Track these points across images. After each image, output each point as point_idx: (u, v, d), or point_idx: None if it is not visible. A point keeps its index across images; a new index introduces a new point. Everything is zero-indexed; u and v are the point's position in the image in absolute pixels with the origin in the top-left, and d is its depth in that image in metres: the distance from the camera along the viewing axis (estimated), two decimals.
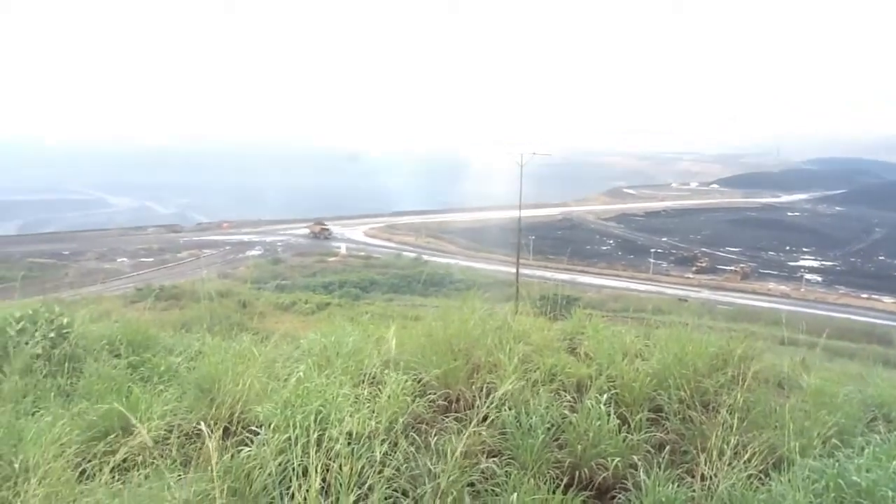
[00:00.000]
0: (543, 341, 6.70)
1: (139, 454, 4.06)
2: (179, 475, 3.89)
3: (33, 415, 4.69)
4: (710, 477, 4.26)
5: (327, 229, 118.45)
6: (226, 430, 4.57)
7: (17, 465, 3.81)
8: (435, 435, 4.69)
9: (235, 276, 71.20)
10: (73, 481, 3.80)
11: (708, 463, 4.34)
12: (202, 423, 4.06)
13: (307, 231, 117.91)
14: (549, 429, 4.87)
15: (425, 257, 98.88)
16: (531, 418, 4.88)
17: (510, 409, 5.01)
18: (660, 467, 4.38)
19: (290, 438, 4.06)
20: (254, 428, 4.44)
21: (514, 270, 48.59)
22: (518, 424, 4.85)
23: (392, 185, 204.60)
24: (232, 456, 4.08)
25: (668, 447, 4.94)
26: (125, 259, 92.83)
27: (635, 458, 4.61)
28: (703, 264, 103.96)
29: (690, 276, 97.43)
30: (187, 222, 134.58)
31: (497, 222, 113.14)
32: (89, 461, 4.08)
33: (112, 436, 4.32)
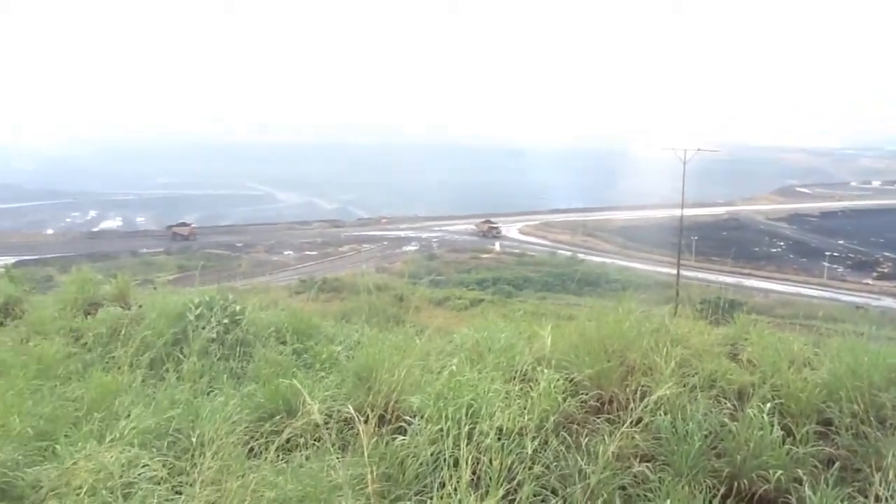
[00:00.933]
0: (703, 346, 6.42)
1: (301, 436, 4.29)
2: (337, 458, 4.06)
3: (208, 394, 5.07)
4: (886, 499, 3.93)
5: (496, 227, 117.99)
6: (381, 417, 4.73)
7: (193, 439, 4.13)
8: (586, 435, 4.63)
9: (392, 270, 73.40)
10: (242, 457, 4.07)
11: (883, 483, 4.01)
12: (350, 408, 4.23)
13: (474, 229, 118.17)
14: (706, 436, 4.67)
15: (581, 256, 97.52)
16: (688, 424, 4.70)
17: (665, 413, 4.85)
18: (828, 484, 4.10)
19: (442, 430, 4.14)
20: (407, 417, 4.57)
21: (673, 272, 47.07)
22: (674, 430, 4.69)
23: (548, 182, 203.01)
24: (386, 443, 4.23)
25: (837, 463, 4.60)
26: (291, 252, 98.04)
27: (800, 472, 4.33)
28: (885, 270, 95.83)
29: (869, 282, 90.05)
30: (349, 217, 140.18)
31: (657, 221, 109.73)
32: (256, 440, 4.36)
33: (277, 417, 4.60)
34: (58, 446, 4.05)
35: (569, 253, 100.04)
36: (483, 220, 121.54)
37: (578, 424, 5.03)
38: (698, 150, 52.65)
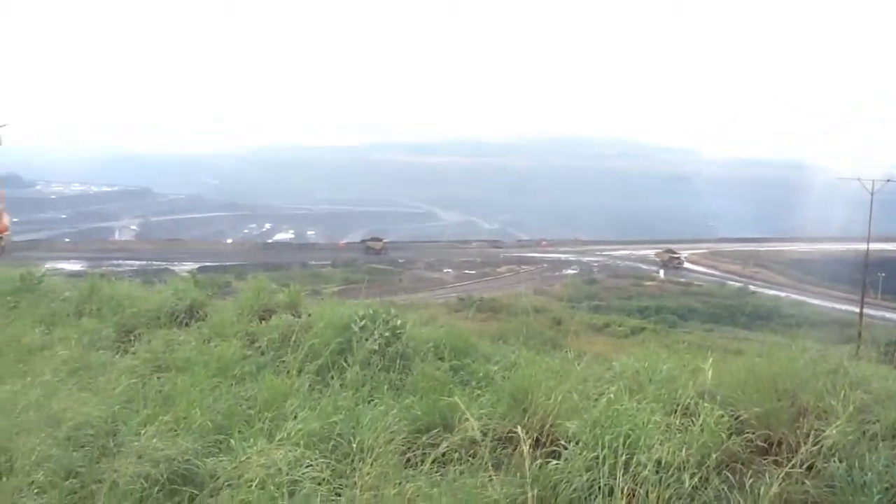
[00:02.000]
0: (887, 392, 5.92)
1: (456, 451, 4.35)
2: (490, 476, 4.09)
3: (369, 403, 5.26)
4: None
5: (678, 258, 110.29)
6: (536, 440, 4.71)
7: (354, 445, 4.30)
8: (750, 476, 4.38)
9: (551, 293, 72.86)
10: (399, 466, 4.18)
11: None
12: (519, 429, 4.24)
13: (654, 257, 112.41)
14: (886, 489, 4.29)
15: (752, 288, 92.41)
16: (866, 474, 4.33)
17: (840, 461, 4.50)
18: None
19: (597, 457, 4.07)
20: (562, 442, 4.52)
21: (854, 309, 43.67)
22: (849, 479, 4.34)
23: (717, 209, 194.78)
24: (540, 466, 4.21)
25: None
26: (450, 270, 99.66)
27: None
28: None
29: None
30: (508, 238, 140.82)
31: (839, 255, 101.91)
32: (413, 451, 4.47)
33: (434, 431, 4.70)
34: (232, 441, 4.35)
35: (739, 284, 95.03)
36: (664, 248, 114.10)
37: (742, 464, 4.77)
38: (888, 181, 48.48)
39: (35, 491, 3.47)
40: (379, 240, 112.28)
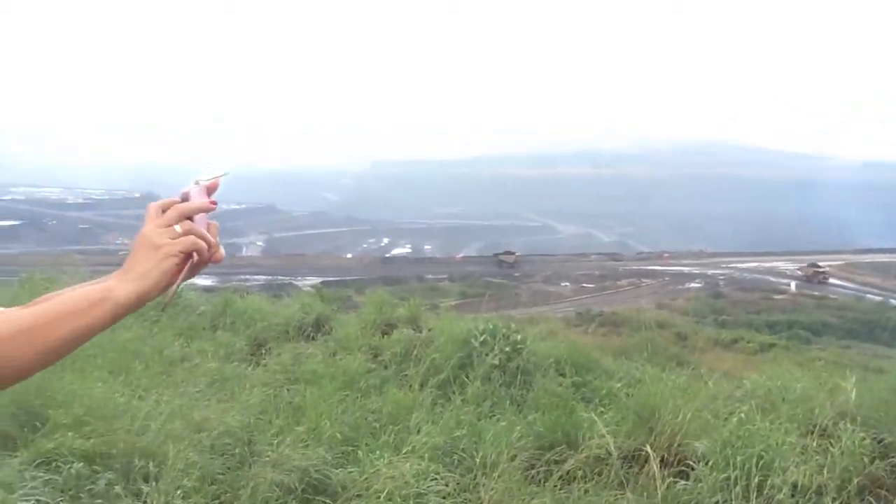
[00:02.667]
0: None
1: (580, 469, 4.31)
2: (617, 495, 4.02)
3: (491, 418, 5.29)
4: None
5: (823, 272, 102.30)
6: (663, 459, 4.60)
7: (477, 460, 4.34)
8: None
9: (673, 307, 70.75)
10: (523, 482, 4.18)
11: None
12: (647, 448, 4.16)
13: (796, 272, 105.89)
14: None
15: (894, 302, 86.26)
16: None
17: None
18: None
19: (729, 478, 3.94)
20: (691, 462, 4.39)
21: None
22: None
23: (853, 217, 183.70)
24: (668, 486, 4.11)
25: None
26: (568, 283, 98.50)
27: None
28: None
29: None
30: (628, 251, 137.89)
31: None
32: (536, 467, 4.46)
33: (558, 448, 4.67)
34: (360, 452, 4.47)
35: (879, 298, 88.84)
36: (808, 262, 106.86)
37: (888, 490, 4.49)
38: None
39: (181, 495, 3.69)
40: (511, 253, 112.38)
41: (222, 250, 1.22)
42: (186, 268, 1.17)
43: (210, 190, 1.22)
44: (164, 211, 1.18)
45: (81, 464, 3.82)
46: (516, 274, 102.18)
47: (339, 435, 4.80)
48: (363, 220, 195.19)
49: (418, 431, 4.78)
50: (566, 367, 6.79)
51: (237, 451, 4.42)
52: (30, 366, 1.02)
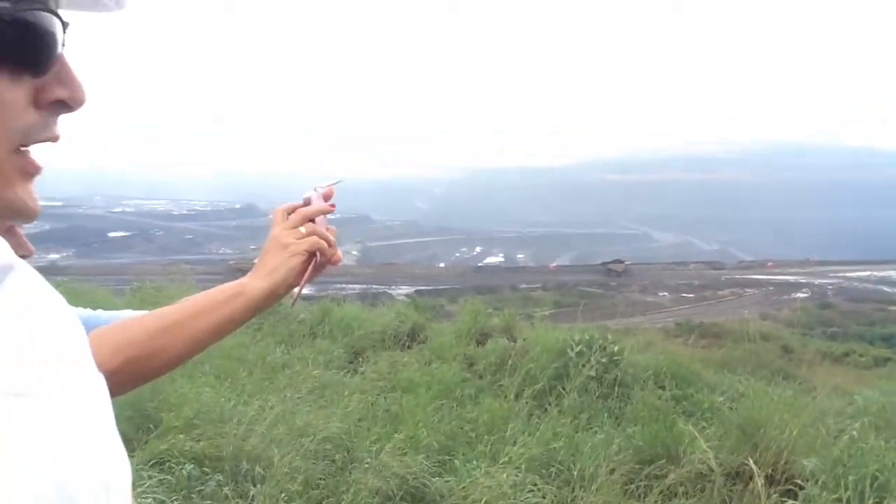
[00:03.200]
0: None
1: (682, 484, 4.20)
2: None
3: (588, 430, 5.22)
4: None
5: None
6: (768, 476, 4.43)
7: (575, 472, 4.29)
8: None
9: (779, 318, 67.85)
10: (622, 496, 4.11)
11: None
12: (751, 464, 4.03)
13: None
14: None
15: None
16: None
17: None
18: None
19: (840, 499, 3.76)
20: (799, 481, 4.22)
21: None
22: None
23: None
24: None
25: None
26: (666, 293, 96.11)
27: None
28: None
29: None
30: (729, 259, 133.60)
31: None
32: (635, 482, 4.37)
33: (658, 462, 4.56)
34: (456, 461, 4.50)
35: None
36: None
37: None
38: None
39: (285, 498, 3.81)
40: (621, 262, 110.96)
41: (340, 252, 1.34)
42: (311, 267, 1.28)
43: (327, 196, 1.35)
44: (289, 214, 1.30)
45: (192, 465, 3.99)
46: (612, 283, 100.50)
47: (435, 443, 4.84)
48: (455, 229, 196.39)
49: (514, 442, 4.77)
50: (665, 380, 6.65)
51: (337, 456, 4.52)
52: (179, 355, 1.17)
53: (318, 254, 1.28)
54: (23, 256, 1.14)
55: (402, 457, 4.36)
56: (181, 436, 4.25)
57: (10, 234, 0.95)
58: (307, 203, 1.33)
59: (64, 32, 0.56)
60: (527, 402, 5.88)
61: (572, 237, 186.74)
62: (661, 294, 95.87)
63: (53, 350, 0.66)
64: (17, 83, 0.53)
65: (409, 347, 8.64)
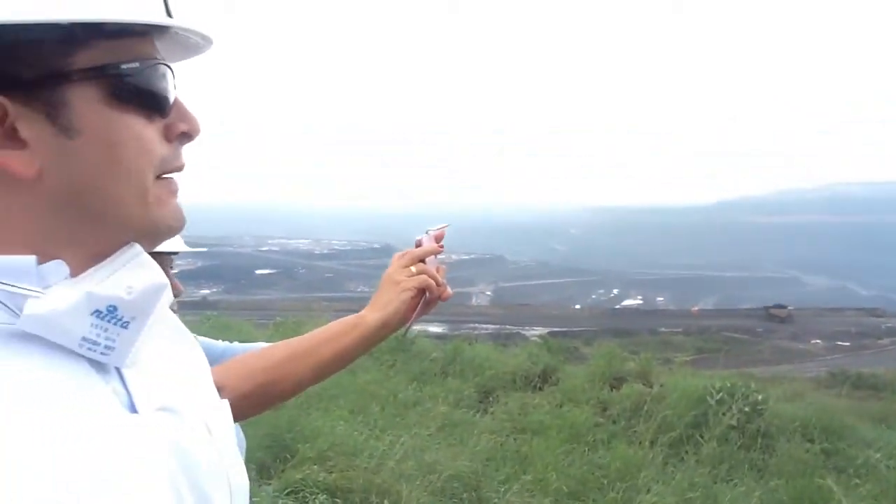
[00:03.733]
0: None
1: None
2: None
3: (728, 482, 4.96)
4: None
5: None
6: None
7: None
8: None
9: None
10: None
11: None
12: None
13: None
14: None
15: None
16: None
17: None
18: None
19: None
20: None
21: None
22: None
23: None
24: None
25: None
26: (818, 340, 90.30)
27: None
28: None
29: None
30: (891, 306, 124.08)
31: None
32: None
33: None
34: None
35: None
36: None
37: None
38: None
39: None
40: (783, 307, 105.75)
41: (449, 290, 1.45)
42: (421, 303, 1.41)
43: (438, 238, 1.50)
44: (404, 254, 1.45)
45: (325, 496, 4.10)
46: (759, 329, 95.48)
47: (565, 487, 4.75)
48: (591, 270, 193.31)
49: (648, 490, 4.61)
50: (814, 432, 6.24)
51: (465, 495, 4.52)
52: (303, 381, 1.31)
53: (427, 292, 1.41)
54: (174, 296, 1.31)
55: (530, 499, 4.31)
56: (315, 467, 4.38)
57: None
58: (418, 245, 1.46)
59: (174, 78, 0.71)
60: (662, 450, 5.68)
61: (715, 280, 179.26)
62: (812, 341, 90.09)
63: (192, 371, 0.77)
64: (151, 123, 0.67)
65: (540, 389, 8.55)
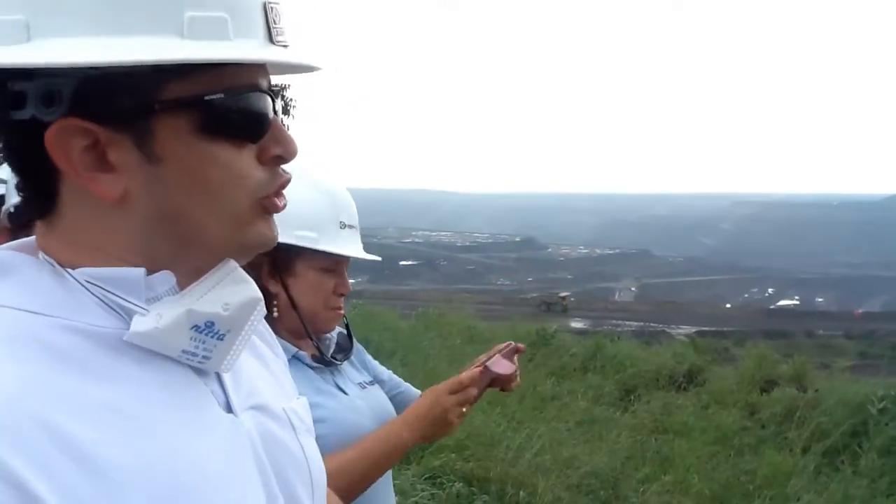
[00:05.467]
0: None
1: None
2: None
3: (889, 497, 4.65)
4: None
5: None
6: None
7: None
8: None
9: None
10: None
11: None
12: None
13: None
14: None
15: None
16: None
17: None
18: None
19: None
20: None
21: None
22: None
23: None
24: None
25: None
26: None
27: None
28: None
29: None
30: None
31: None
32: None
33: None
34: None
35: None
36: None
37: None
38: None
39: None
40: None
41: (518, 380, 1.58)
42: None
43: (516, 351, 1.58)
44: (466, 386, 1.48)
45: (461, 483, 4.18)
46: None
47: (707, 491, 4.61)
48: (745, 268, 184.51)
49: (798, 499, 4.39)
50: None
51: (602, 492, 4.48)
52: (362, 488, 1.39)
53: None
54: (340, 295, 1.50)
55: (670, 500, 4.21)
56: (453, 455, 4.47)
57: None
58: (483, 370, 1.50)
59: (273, 101, 0.70)
60: (814, 459, 5.39)
61: (883, 280, 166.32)
62: None
63: (274, 368, 0.86)
64: (242, 150, 0.67)
65: (685, 389, 8.33)
